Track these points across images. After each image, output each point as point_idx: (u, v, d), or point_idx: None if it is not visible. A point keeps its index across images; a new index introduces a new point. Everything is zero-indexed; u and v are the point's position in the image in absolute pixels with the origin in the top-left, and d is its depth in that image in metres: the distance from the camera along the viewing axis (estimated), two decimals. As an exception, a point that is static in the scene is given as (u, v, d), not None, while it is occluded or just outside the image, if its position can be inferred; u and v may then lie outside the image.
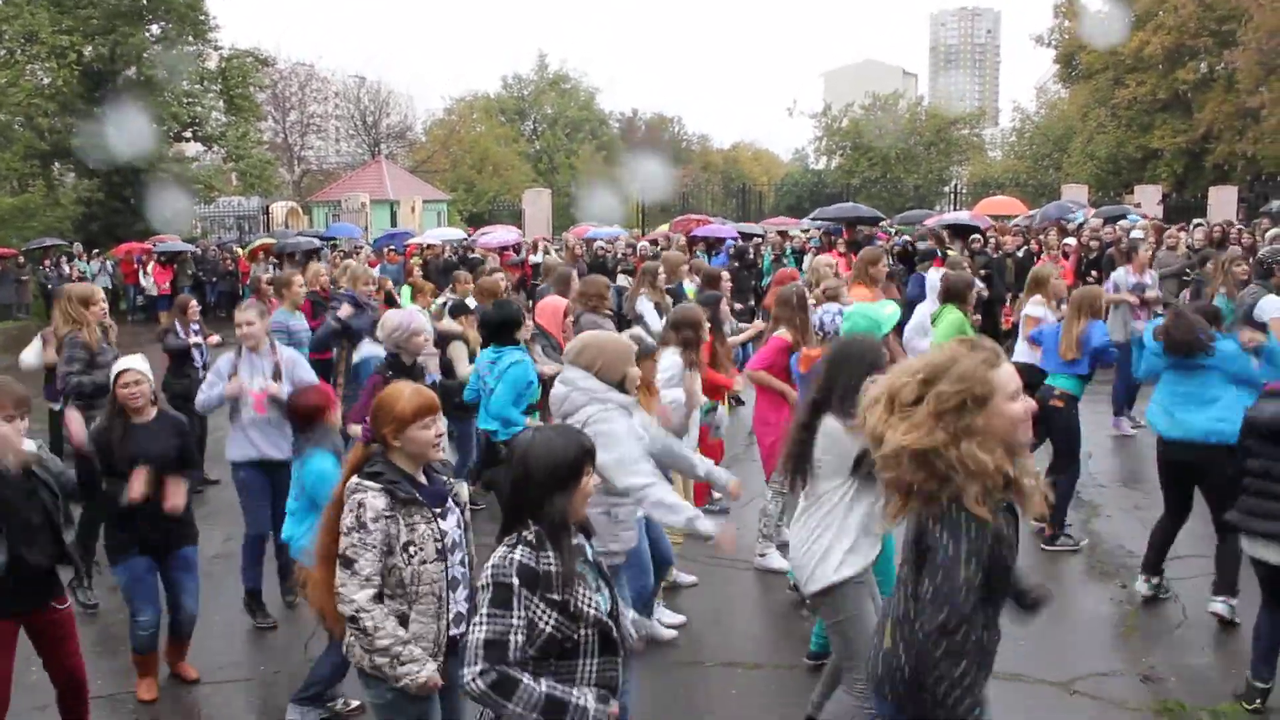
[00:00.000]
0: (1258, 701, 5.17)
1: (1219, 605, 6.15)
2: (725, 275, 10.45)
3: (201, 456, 9.78)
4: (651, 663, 5.82)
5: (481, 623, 2.93)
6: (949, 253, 14.46)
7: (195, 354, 9.30)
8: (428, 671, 3.54)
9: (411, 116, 63.10)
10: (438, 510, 3.66)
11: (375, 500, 3.52)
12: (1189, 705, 5.28)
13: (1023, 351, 8.74)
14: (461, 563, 3.73)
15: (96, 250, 27.75)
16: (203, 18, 33.39)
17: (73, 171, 33.61)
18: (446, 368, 8.14)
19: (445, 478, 3.83)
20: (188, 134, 34.60)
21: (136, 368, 5.37)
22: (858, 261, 9.29)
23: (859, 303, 6.78)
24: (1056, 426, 7.64)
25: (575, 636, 2.98)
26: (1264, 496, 5.07)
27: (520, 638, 2.91)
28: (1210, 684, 5.48)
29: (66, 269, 25.72)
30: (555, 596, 2.94)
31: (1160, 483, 6.59)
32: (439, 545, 3.60)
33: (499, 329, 6.49)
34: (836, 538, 4.27)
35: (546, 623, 2.93)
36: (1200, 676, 5.60)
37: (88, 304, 7.26)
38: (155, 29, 33.07)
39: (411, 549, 3.55)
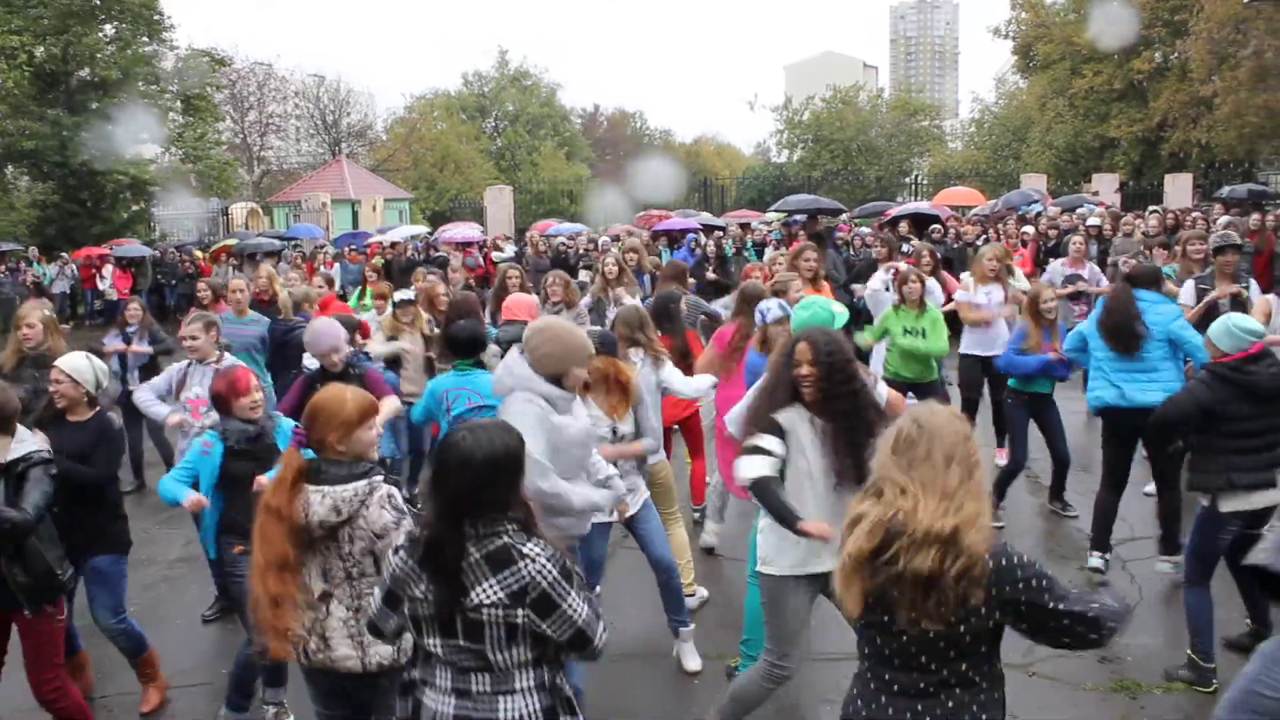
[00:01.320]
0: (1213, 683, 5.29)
1: (1166, 565, 6.48)
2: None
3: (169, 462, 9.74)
4: (611, 655, 5.84)
5: (579, 607, 2.98)
6: (912, 240, 14.57)
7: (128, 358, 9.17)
8: None
9: (372, 115, 62.77)
10: None
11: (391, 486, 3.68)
12: (1144, 684, 5.39)
13: (969, 342, 8.91)
14: None
15: (61, 254, 27.33)
16: (157, 17, 32.95)
17: (26, 175, 33.18)
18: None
19: None
20: (144, 135, 34.17)
21: (60, 365, 5.30)
22: (788, 256, 9.29)
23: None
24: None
25: None
26: (1247, 453, 5.19)
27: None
28: (1163, 662, 5.57)
29: (23, 274, 25.37)
30: None
31: (1104, 456, 6.78)
32: None
33: (467, 346, 6.16)
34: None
35: None
36: (1154, 655, 5.70)
37: (18, 325, 7.01)
38: (109, 29, 32.60)
39: None
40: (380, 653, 3.63)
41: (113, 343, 9.04)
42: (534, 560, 2.92)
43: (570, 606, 2.94)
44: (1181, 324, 6.73)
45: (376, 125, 62.67)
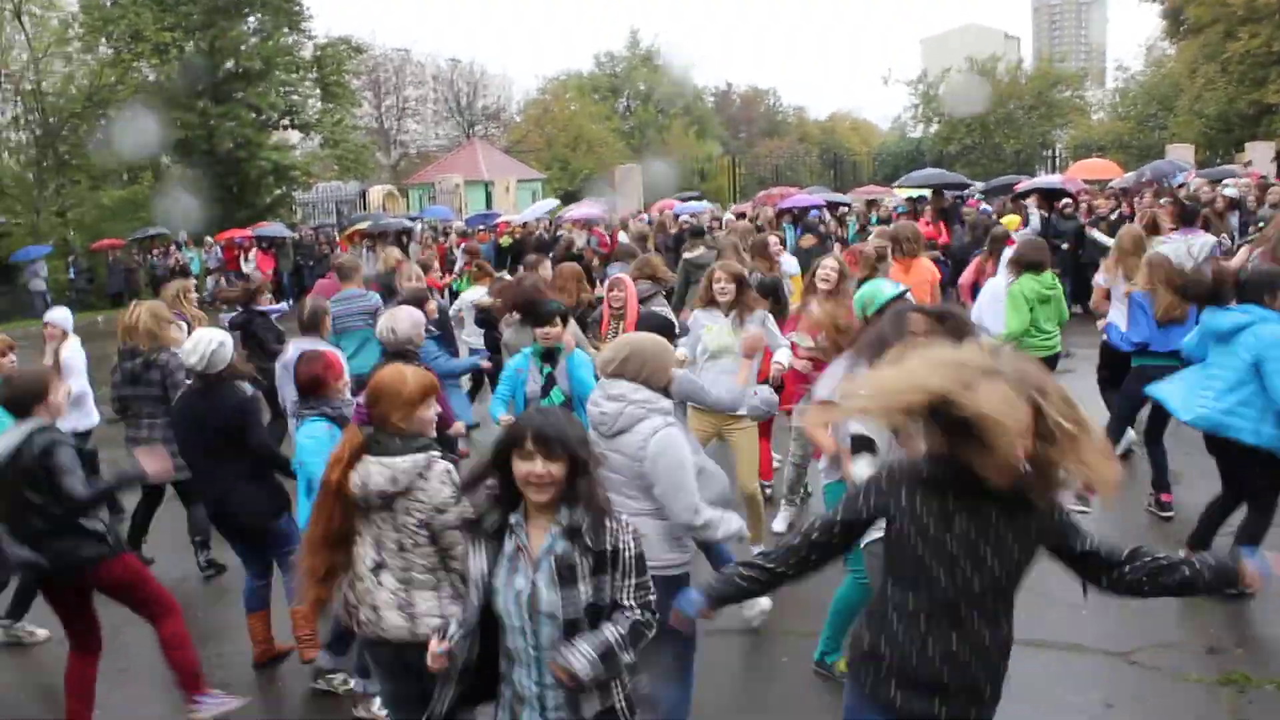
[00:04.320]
0: None
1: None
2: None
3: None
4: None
5: None
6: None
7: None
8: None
9: (506, 97, 63.78)
10: None
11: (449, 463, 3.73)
12: (1254, 678, 5.10)
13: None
14: None
15: (207, 239, 28.68)
16: (297, 9, 34.24)
17: (179, 163, 34.84)
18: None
19: None
20: (285, 121, 35.50)
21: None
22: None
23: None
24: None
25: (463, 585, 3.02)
26: None
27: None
28: (1278, 657, 5.31)
29: (171, 257, 26.68)
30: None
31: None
32: None
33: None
34: None
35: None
36: (1268, 649, 5.43)
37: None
38: (252, 21, 34.00)
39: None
40: (430, 623, 3.68)
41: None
42: None
43: None
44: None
45: (510, 107, 63.72)
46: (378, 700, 5.14)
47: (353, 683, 5.28)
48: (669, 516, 4.00)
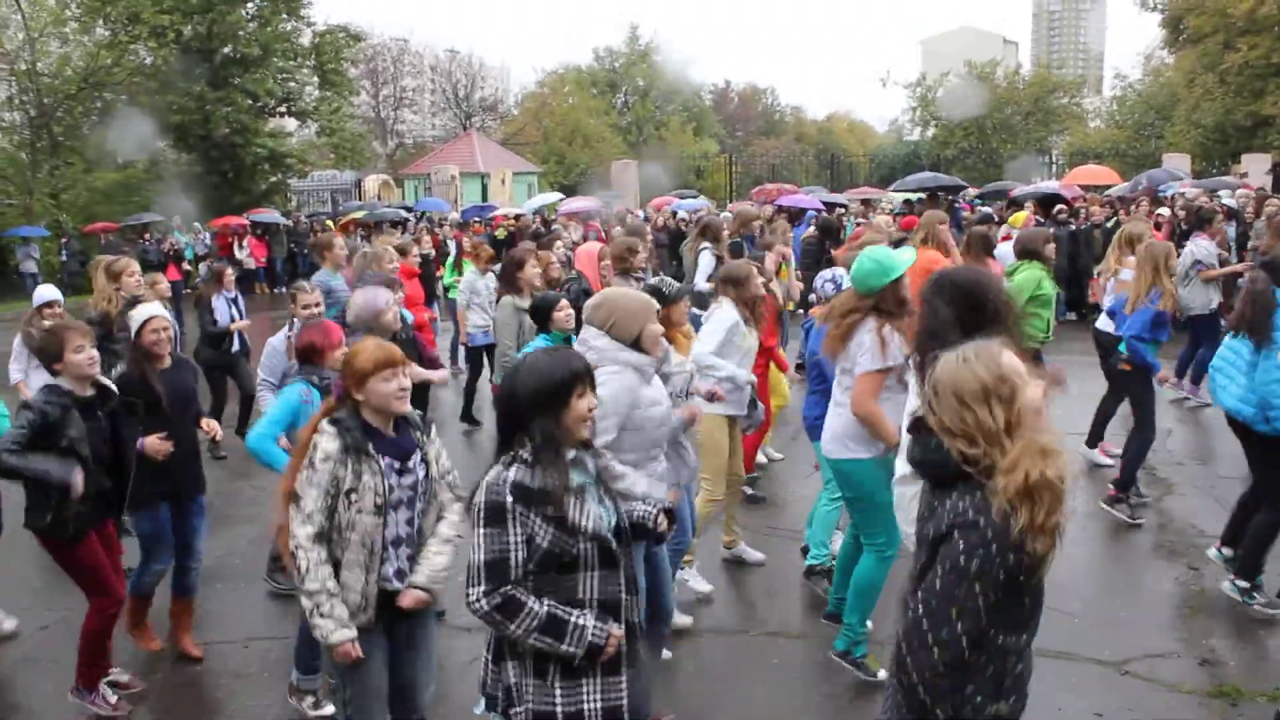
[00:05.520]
0: None
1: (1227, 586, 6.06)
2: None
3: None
4: (696, 630, 5.84)
5: (479, 545, 2.98)
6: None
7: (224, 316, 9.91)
8: (339, 637, 3.57)
9: (504, 89, 63.65)
10: (394, 464, 3.71)
11: (328, 443, 3.61)
12: (1246, 690, 5.08)
13: (1105, 321, 8.40)
14: (409, 521, 3.76)
15: (195, 224, 28.63)
16: (296, -5, 34.13)
17: (173, 148, 34.71)
18: None
19: (419, 434, 3.85)
20: (282, 109, 35.38)
21: (161, 314, 5.52)
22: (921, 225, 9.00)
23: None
24: (1129, 392, 7.57)
25: (574, 550, 2.99)
26: None
27: (520, 555, 2.96)
28: (1272, 669, 5.28)
29: (165, 243, 26.52)
30: (551, 511, 2.96)
31: None
32: (379, 500, 3.64)
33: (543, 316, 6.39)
34: None
35: (544, 538, 2.96)
36: (1262, 661, 5.40)
37: (118, 276, 7.34)
38: (250, 7, 33.86)
39: (352, 496, 3.61)
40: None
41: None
42: (484, 481, 3.09)
43: (477, 537, 3.04)
44: None
45: (508, 99, 63.60)
46: (309, 698, 5.06)
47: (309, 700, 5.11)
48: None
